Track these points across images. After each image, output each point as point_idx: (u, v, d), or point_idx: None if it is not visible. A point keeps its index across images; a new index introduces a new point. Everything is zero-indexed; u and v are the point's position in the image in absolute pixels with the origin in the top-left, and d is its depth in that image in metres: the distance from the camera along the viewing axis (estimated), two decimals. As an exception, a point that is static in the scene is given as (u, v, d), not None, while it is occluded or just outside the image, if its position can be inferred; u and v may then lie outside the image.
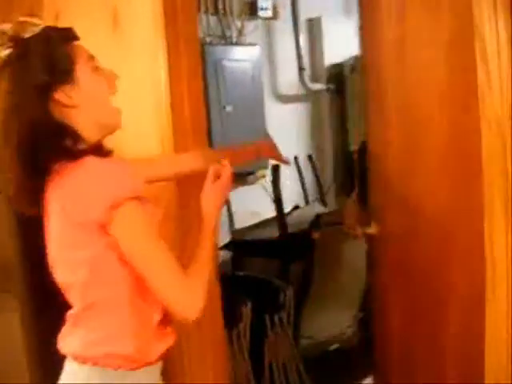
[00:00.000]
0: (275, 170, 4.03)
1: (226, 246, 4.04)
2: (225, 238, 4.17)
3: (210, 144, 4.41)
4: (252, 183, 4.84)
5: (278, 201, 3.94)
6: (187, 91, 2.47)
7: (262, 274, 3.60)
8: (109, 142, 1.72)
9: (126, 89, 1.93)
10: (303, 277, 3.61)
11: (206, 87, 4.47)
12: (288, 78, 5.26)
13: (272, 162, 4.44)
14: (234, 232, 4.29)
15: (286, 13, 5.10)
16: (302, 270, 3.64)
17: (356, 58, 4.87)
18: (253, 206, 4.65)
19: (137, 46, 2.44)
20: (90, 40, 1.75)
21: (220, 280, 2.38)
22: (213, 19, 4.67)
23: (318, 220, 3.82)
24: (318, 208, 4.66)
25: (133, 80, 2.38)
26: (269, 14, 4.85)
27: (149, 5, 2.39)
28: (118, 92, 1.73)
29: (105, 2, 2.49)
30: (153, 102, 2.40)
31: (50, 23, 1.72)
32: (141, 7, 2.40)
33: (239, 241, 4.12)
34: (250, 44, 4.80)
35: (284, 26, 5.05)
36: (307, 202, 5.08)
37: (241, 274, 3.75)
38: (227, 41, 4.74)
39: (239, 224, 4.44)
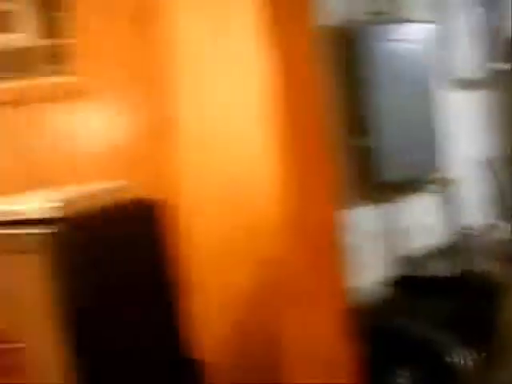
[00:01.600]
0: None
1: (393, 282, 3.19)
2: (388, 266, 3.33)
3: (370, 150, 3.63)
4: (425, 192, 3.94)
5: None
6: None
7: (431, 326, 2.71)
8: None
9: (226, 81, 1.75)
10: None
11: (360, 76, 3.66)
12: (466, 58, 4.26)
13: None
14: (402, 263, 3.37)
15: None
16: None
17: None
18: (427, 220, 3.76)
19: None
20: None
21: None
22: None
23: None
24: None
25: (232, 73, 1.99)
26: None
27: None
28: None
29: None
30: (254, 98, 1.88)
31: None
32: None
33: (410, 277, 3.20)
34: (419, 21, 3.88)
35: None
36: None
37: (400, 325, 2.87)
38: (388, 18, 3.86)
39: (408, 247, 3.56)
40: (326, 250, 1.95)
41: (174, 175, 2.24)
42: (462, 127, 3.92)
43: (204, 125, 2.16)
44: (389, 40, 3.74)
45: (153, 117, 2.27)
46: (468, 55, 4.30)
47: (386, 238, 3.62)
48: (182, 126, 2.22)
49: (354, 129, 3.72)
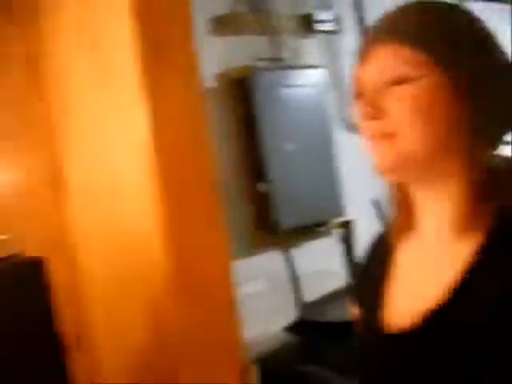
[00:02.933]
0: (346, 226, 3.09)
1: (292, 328, 3.13)
2: (289, 312, 3.28)
3: (268, 195, 3.60)
4: (325, 236, 3.92)
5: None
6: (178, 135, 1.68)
7: (332, 371, 2.66)
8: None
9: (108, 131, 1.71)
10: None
11: (258, 122, 3.64)
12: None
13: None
14: (301, 308, 3.33)
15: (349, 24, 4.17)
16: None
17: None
18: (327, 265, 3.74)
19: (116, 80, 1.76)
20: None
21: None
22: (261, 40, 3.82)
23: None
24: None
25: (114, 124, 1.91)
26: (329, 27, 3.93)
27: (127, 30, 1.68)
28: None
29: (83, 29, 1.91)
30: (136, 148, 1.68)
31: None
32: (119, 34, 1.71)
33: (309, 322, 3.15)
34: (312, 66, 3.91)
35: (349, 39, 4.10)
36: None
37: (307, 369, 2.81)
38: (282, 64, 3.87)
39: (309, 292, 3.52)
40: (218, 300, 1.87)
41: (58, 228, 2.13)
42: (360, 169, 3.97)
43: (89, 177, 2.07)
44: (284, 86, 3.75)
45: (37, 169, 2.16)
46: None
47: (286, 285, 3.58)
48: (67, 177, 2.12)
49: (252, 176, 3.69)
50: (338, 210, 3.83)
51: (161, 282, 1.77)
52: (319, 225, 3.87)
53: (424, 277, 1.01)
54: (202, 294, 1.79)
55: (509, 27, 4.43)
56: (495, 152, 1.00)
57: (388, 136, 0.98)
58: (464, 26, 0.99)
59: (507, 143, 1.09)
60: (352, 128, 4.20)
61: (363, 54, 1.01)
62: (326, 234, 3.91)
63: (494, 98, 0.97)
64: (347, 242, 3.21)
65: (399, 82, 0.96)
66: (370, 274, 1.14)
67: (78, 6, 2.01)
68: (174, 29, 1.96)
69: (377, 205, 3.53)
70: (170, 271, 1.74)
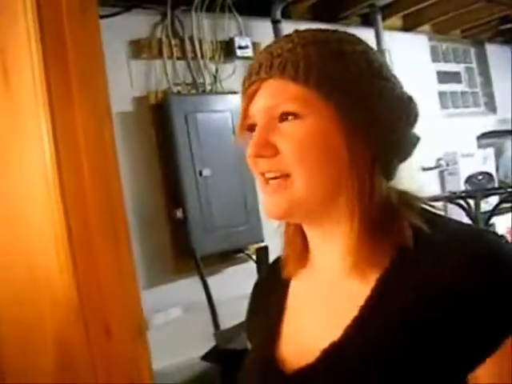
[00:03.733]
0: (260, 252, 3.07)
1: (209, 356, 3.08)
2: (206, 341, 3.23)
3: (184, 222, 3.55)
4: (242, 262, 3.90)
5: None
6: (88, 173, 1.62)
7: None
8: None
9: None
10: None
11: (175, 148, 3.60)
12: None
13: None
14: (217, 336, 3.28)
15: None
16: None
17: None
18: (245, 291, 3.71)
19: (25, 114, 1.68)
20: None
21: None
22: (180, 64, 3.80)
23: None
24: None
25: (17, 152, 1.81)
26: (249, 53, 3.94)
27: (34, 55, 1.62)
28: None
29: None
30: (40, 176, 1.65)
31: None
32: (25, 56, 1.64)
33: (226, 350, 3.10)
34: (230, 92, 3.90)
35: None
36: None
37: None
38: (200, 89, 3.86)
39: (226, 318, 3.48)
40: (126, 336, 1.81)
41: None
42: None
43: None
44: (202, 111, 3.73)
45: None
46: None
47: (205, 311, 3.53)
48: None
49: (173, 201, 3.64)
50: (256, 235, 3.81)
51: (67, 317, 1.70)
52: (237, 251, 3.85)
53: (317, 314, 0.98)
54: (109, 326, 1.72)
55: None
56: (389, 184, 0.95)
57: (279, 178, 0.93)
58: (355, 56, 0.94)
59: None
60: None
61: (251, 88, 0.96)
62: (244, 260, 3.89)
63: (391, 131, 0.94)
64: (263, 267, 3.18)
65: (288, 117, 0.92)
66: (264, 306, 1.10)
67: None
68: (84, 52, 1.90)
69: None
70: (76, 305, 1.67)
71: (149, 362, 1.92)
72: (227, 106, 3.78)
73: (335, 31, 0.98)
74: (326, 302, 0.98)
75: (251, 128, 0.97)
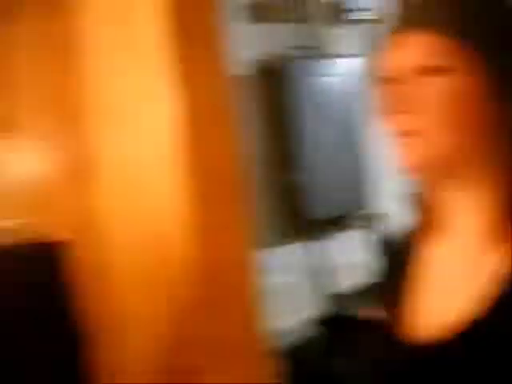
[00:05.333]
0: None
1: (323, 321, 3.08)
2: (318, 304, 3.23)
3: (300, 185, 3.55)
4: (352, 228, 3.85)
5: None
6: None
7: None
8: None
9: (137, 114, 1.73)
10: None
11: (290, 110, 3.59)
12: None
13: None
14: (334, 300, 3.23)
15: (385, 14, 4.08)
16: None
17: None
18: (357, 257, 3.68)
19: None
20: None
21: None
22: (296, 28, 3.77)
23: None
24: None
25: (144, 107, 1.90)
26: (365, 16, 3.84)
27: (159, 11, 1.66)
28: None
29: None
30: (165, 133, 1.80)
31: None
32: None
33: (342, 317, 3.06)
34: (346, 55, 3.83)
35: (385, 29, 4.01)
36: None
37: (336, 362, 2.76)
38: (316, 53, 3.81)
39: (340, 284, 3.46)
40: (240, 291, 1.84)
41: (86, 214, 2.11)
42: (391, 162, 3.90)
43: (116, 164, 2.05)
44: (316, 75, 3.70)
45: (64, 153, 2.15)
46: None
47: (315, 276, 3.53)
48: (94, 165, 2.11)
49: (282, 166, 3.64)
50: (368, 203, 3.77)
51: (185, 271, 1.74)
52: (348, 218, 3.82)
53: (450, 285, 0.92)
54: (225, 283, 1.76)
55: None
56: None
57: (414, 133, 0.88)
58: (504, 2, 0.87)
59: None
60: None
61: (393, 41, 0.92)
62: (356, 226, 3.85)
63: None
64: (378, 235, 3.15)
65: (430, 73, 0.87)
66: (394, 273, 1.05)
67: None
68: (205, 13, 1.92)
69: (409, 199, 3.44)
70: (194, 259, 1.71)
71: (264, 322, 1.94)
72: (343, 70, 3.72)
73: None
74: (458, 273, 0.92)
75: (389, 81, 0.92)
